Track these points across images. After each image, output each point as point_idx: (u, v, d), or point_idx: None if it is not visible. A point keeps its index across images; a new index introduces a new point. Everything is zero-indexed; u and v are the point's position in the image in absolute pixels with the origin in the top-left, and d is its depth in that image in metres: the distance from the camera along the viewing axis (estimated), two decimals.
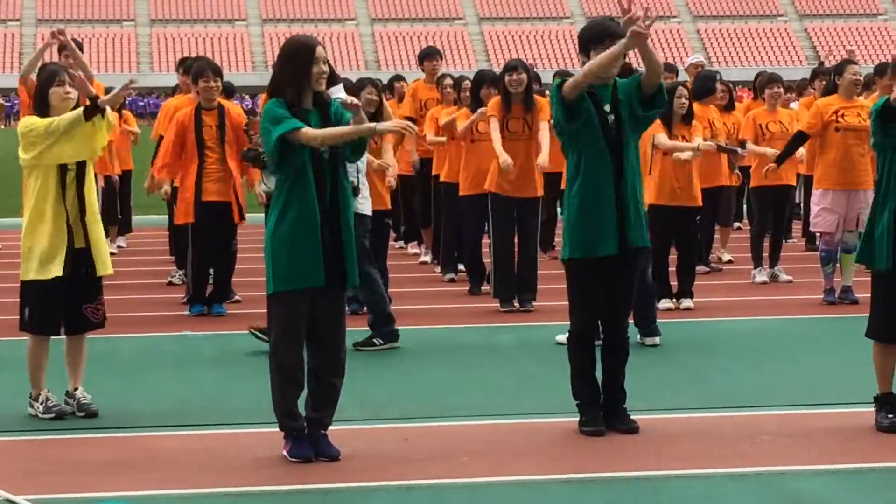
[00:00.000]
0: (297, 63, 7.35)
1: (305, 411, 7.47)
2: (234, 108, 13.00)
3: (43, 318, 8.50)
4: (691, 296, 12.83)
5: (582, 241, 7.97)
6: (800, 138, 13.31)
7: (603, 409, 8.01)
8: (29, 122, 8.46)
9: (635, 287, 8.22)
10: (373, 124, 7.48)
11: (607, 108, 7.97)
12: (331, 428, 7.49)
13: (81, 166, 8.46)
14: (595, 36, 7.99)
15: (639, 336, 10.72)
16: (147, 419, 8.45)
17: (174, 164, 12.69)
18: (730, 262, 16.12)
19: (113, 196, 17.69)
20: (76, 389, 8.57)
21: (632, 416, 8.02)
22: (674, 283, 12.88)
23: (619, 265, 7.97)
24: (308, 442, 7.41)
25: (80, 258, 8.46)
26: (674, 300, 12.78)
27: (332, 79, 8.61)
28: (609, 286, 8.03)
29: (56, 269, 8.38)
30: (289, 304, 7.36)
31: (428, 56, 16.40)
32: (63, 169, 8.39)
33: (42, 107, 8.51)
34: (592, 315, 8.07)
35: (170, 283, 14.76)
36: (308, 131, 7.27)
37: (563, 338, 10.22)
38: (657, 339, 10.83)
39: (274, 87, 7.45)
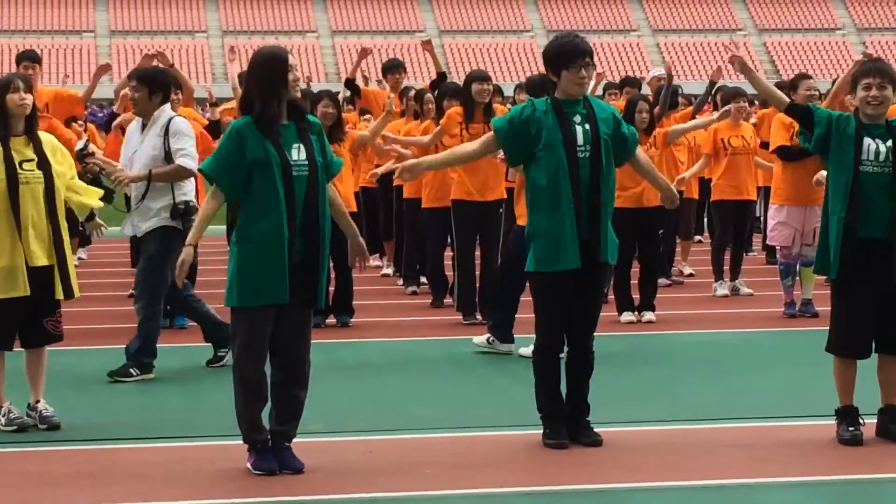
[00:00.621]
0: (271, 74, 7.29)
1: (269, 424, 7.45)
2: (187, 116, 12.92)
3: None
4: (653, 309, 12.89)
5: (545, 256, 7.98)
6: (789, 150, 12.91)
7: (567, 423, 8.02)
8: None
9: (601, 301, 8.24)
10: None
11: (577, 118, 7.96)
12: (295, 440, 7.48)
13: (49, 185, 8.42)
14: (568, 54, 7.91)
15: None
16: (110, 432, 8.42)
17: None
18: (691, 275, 16.20)
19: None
20: (38, 402, 8.52)
21: (595, 429, 8.04)
22: (636, 295, 12.94)
23: (584, 279, 7.99)
24: (273, 454, 7.39)
25: (41, 276, 8.41)
26: (636, 313, 12.84)
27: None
28: (574, 300, 8.05)
29: (20, 288, 8.34)
30: (252, 318, 7.33)
31: (392, 69, 16.42)
32: (13, 184, 8.34)
33: None
34: (557, 329, 8.05)
35: (131, 296, 14.69)
36: (209, 204, 7.34)
37: (526, 351, 10.26)
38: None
39: (246, 101, 7.37)
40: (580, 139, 7.90)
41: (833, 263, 7.97)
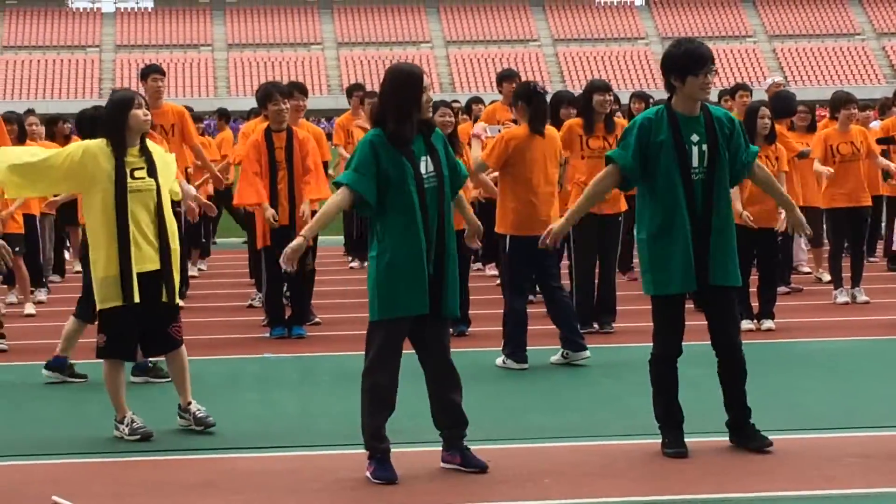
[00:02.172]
0: (406, 92, 7.41)
1: (439, 430, 7.57)
2: (302, 129, 12.96)
3: (118, 343, 8.59)
4: (772, 316, 12.77)
5: (656, 279, 7.93)
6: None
7: (730, 429, 8.04)
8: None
9: (736, 311, 8.11)
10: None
11: (694, 137, 7.84)
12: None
13: (159, 194, 8.56)
14: (696, 60, 7.81)
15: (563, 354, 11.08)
16: (230, 441, 8.52)
17: (253, 188, 12.64)
18: (830, 282, 15.91)
19: (197, 221, 17.78)
20: (189, 404, 8.66)
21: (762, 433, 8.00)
22: (755, 303, 12.82)
23: (707, 300, 7.93)
24: (453, 456, 7.50)
25: (153, 282, 8.52)
26: (755, 321, 12.72)
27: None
28: (707, 315, 8.00)
29: (129, 296, 8.46)
30: (390, 329, 7.44)
31: (507, 78, 16.44)
32: (121, 195, 8.46)
33: (117, 129, 8.53)
34: (675, 339, 8.00)
35: (250, 306, 14.85)
36: (334, 201, 7.40)
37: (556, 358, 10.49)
38: (586, 354, 11.09)
39: (380, 116, 7.51)
40: (695, 161, 7.83)
41: None
